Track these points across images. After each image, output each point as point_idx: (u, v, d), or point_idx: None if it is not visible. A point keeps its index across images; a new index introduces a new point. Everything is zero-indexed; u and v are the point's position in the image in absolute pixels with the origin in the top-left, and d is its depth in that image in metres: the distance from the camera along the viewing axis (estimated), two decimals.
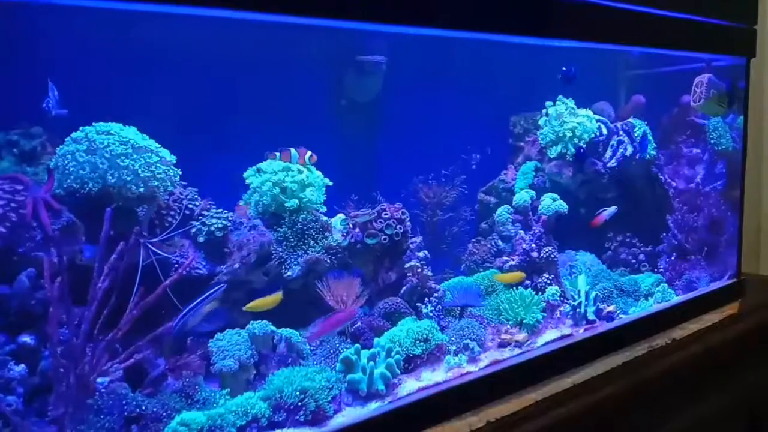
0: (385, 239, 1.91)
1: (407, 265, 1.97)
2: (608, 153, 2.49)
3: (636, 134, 2.51)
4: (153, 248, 1.60)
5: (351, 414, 1.45)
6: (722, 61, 2.38)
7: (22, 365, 1.35)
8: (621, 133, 2.52)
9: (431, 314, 1.85)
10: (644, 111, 2.70)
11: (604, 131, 2.50)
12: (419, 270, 1.97)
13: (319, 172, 1.99)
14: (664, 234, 2.48)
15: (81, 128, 1.61)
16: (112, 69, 1.83)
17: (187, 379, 1.46)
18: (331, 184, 2.00)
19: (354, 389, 1.50)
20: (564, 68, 2.23)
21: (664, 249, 2.48)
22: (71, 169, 1.55)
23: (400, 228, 1.94)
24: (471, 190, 2.54)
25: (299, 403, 1.39)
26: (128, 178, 1.57)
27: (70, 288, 1.29)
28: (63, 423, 1.27)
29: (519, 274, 2.11)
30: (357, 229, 1.93)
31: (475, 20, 1.52)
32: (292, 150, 1.94)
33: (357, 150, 2.39)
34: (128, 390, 1.39)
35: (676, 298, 2.23)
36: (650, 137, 2.52)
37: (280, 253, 1.83)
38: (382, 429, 1.41)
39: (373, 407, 1.47)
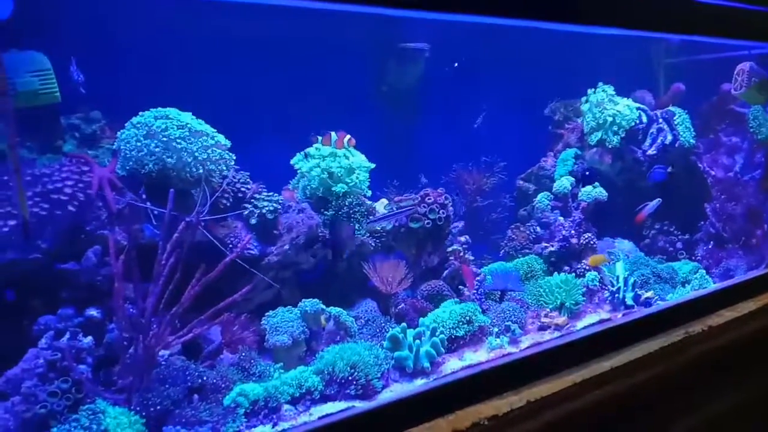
0: (428, 223, 1.95)
1: (449, 249, 2.02)
2: (648, 141, 2.50)
3: (675, 122, 2.51)
4: (209, 228, 1.66)
5: (398, 389, 1.52)
6: (764, 49, 2.36)
7: (90, 337, 1.43)
8: (661, 121, 2.52)
9: (473, 297, 1.90)
10: (684, 99, 2.69)
11: (644, 119, 2.50)
12: (461, 254, 2.01)
13: (362, 156, 2.04)
14: (702, 222, 2.49)
15: (140, 113, 1.69)
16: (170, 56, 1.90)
17: (243, 353, 1.54)
18: (373, 166, 2.04)
19: (401, 366, 1.56)
20: None
21: (702, 237, 2.49)
22: (132, 152, 1.62)
23: (443, 213, 1.98)
24: (510, 176, 2.57)
25: (350, 378, 1.46)
26: (188, 160, 1.64)
27: (134, 265, 1.36)
28: (129, 391, 1.35)
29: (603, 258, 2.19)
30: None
31: (518, 8, 1.54)
32: (333, 134, 1.99)
33: (401, 137, 2.42)
34: (189, 362, 1.47)
35: (712, 286, 2.24)
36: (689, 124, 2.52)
37: (327, 236, 1.89)
38: (426, 405, 1.46)
39: (419, 384, 1.53)
